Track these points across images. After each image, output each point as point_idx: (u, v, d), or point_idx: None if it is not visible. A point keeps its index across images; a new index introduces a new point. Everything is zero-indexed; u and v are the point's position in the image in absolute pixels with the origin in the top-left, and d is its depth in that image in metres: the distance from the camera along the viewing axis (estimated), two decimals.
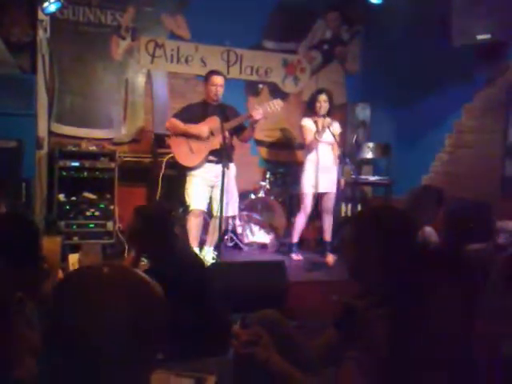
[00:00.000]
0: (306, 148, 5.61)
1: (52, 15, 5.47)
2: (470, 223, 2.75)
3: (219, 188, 4.79)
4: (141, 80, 6.37)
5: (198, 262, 3.35)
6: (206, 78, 5.11)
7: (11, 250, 1.79)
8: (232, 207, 5.25)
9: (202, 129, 4.99)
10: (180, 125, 5.03)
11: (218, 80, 5.02)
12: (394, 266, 1.77)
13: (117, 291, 1.03)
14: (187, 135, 5.02)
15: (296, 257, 5.66)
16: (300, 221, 5.68)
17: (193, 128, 5.00)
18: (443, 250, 2.26)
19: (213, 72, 5.16)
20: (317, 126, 5.45)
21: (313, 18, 7.03)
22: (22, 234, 1.85)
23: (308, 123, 5.53)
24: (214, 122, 4.95)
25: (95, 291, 1.02)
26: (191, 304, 1.01)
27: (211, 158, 5.02)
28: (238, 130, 5.14)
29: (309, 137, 5.50)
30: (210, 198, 5.13)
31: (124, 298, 1.01)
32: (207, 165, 5.04)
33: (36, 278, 1.88)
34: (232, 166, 5.10)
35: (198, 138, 5.00)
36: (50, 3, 5.18)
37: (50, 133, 5.76)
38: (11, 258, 1.78)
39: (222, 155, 4.75)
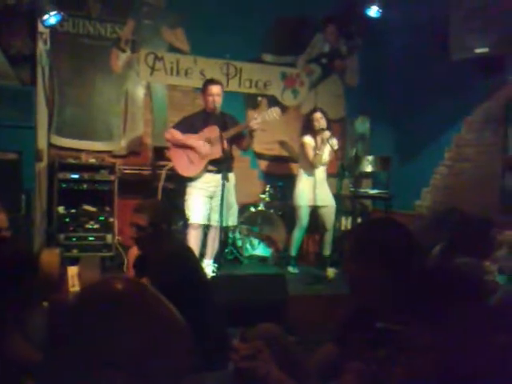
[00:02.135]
0: (311, 164, 5.60)
1: (52, 28, 5.49)
2: (470, 238, 2.74)
3: (218, 199, 4.79)
4: (140, 92, 6.38)
5: (201, 275, 3.33)
6: (204, 88, 5.10)
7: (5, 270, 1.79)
8: (231, 217, 5.24)
9: (201, 144, 4.99)
10: (179, 136, 5.03)
11: (215, 89, 5.01)
12: (394, 280, 1.76)
13: (131, 311, 0.96)
14: (185, 146, 5.03)
15: (292, 270, 5.64)
16: (297, 234, 5.68)
17: (190, 140, 5.00)
18: (439, 267, 2.25)
19: (210, 81, 5.15)
20: (316, 141, 5.50)
21: (311, 32, 7.06)
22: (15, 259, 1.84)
23: (309, 140, 5.60)
24: (213, 131, 4.95)
25: (106, 310, 0.96)
26: (188, 318, 0.99)
27: (210, 167, 5.02)
28: (236, 139, 5.14)
29: (311, 153, 5.54)
30: (209, 209, 5.12)
31: (139, 320, 0.95)
32: (207, 175, 5.03)
33: (32, 294, 1.86)
34: (231, 175, 5.08)
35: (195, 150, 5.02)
36: (50, 16, 5.20)
37: (50, 145, 5.77)
38: (6, 277, 1.77)
39: (222, 166, 4.75)
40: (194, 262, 3.27)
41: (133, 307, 0.97)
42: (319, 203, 5.54)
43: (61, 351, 0.97)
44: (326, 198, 5.55)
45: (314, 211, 5.65)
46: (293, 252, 5.72)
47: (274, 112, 5.09)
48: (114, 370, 0.91)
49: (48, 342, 1.04)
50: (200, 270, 3.30)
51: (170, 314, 1.00)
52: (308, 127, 5.68)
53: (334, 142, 5.60)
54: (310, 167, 5.55)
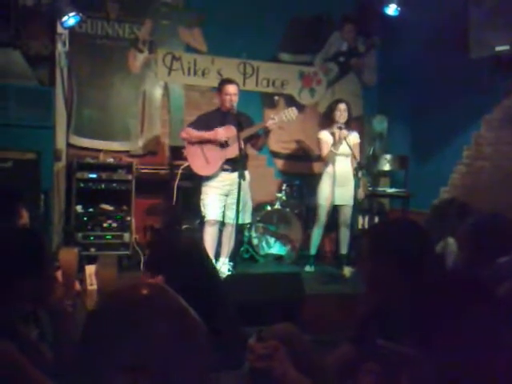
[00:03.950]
0: (323, 160, 5.60)
1: (71, 29, 5.54)
2: (492, 237, 2.70)
3: (233, 196, 4.80)
4: (158, 92, 6.42)
5: (213, 273, 3.34)
6: (220, 88, 5.11)
7: (14, 262, 1.80)
8: (246, 215, 5.24)
9: (219, 132, 4.98)
10: (195, 132, 5.04)
11: (232, 89, 5.01)
12: (408, 280, 1.74)
13: (155, 316, 0.98)
14: (203, 143, 5.03)
15: (309, 269, 5.63)
16: (316, 233, 5.66)
17: (208, 134, 5.01)
18: (463, 273, 2.22)
19: (226, 81, 5.15)
20: (334, 137, 5.44)
21: (329, 30, 7.04)
22: (25, 246, 1.86)
23: (325, 136, 5.53)
24: (229, 131, 4.95)
25: (132, 315, 0.98)
26: (203, 316, 1.00)
27: (226, 166, 5.03)
28: (252, 138, 5.14)
29: (325, 149, 5.49)
30: (224, 206, 5.12)
31: (164, 326, 0.97)
32: (222, 173, 5.05)
33: (42, 288, 1.88)
34: (246, 173, 5.08)
35: (214, 146, 5.01)
36: (69, 17, 5.25)
37: (68, 145, 5.82)
38: (14, 270, 1.79)
39: (238, 165, 4.75)
40: (207, 260, 3.28)
41: (157, 311, 0.99)
42: (338, 202, 5.50)
43: (87, 353, 0.99)
44: (345, 198, 5.48)
45: (333, 210, 5.62)
46: (312, 251, 5.70)
47: (291, 112, 5.07)
48: (138, 372, 0.93)
49: (73, 344, 1.06)
50: (213, 268, 3.31)
51: (190, 318, 1.02)
52: (329, 117, 5.62)
53: (353, 136, 5.52)
54: (331, 166, 5.47)
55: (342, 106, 5.47)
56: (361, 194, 5.56)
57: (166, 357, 0.95)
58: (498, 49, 5.11)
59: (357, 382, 1.78)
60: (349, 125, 5.49)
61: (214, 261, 5.12)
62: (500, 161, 5.52)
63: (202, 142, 5.06)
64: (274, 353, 1.65)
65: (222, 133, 4.98)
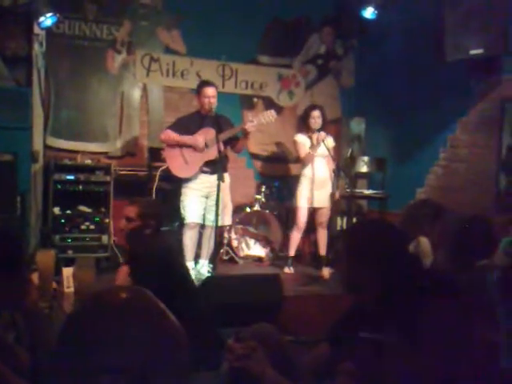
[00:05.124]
0: (301, 163, 5.64)
1: (48, 29, 5.49)
2: (472, 239, 2.74)
3: (213, 198, 4.80)
4: (136, 94, 6.39)
5: (189, 276, 3.36)
6: (198, 90, 5.11)
7: None
8: (226, 217, 5.25)
9: (198, 139, 4.99)
10: (175, 136, 5.03)
11: (210, 91, 5.01)
12: (386, 279, 1.77)
13: (134, 319, 0.99)
14: (182, 146, 5.03)
15: (288, 270, 5.65)
16: (295, 235, 5.69)
17: (188, 138, 5.01)
18: (444, 274, 2.25)
19: (204, 83, 5.15)
20: (311, 140, 5.48)
21: (307, 33, 7.08)
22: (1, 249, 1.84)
23: (301, 138, 5.58)
24: (208, 133, 4.95)
25: (112, 319, 0.98)
26: (180, 317, 1.01)
27: (205, 169, 5.03)
28: (231, 141, 5.15)
29: (302, 152, 5.53)
30: (204, 209, 5.12)
31: (144, 329, 0.98)
32: (201, 176, 5.04)
33: (17, 291, 1.86)
34: (226, 175, 5.09)
35: (193, 148, 5.01)
36: (46, 17, 5.20)
37: (46, 146, 5.76)
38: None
39: (218, 167, 4.75)
40: (179, 265, 3.29)
41: (136, 315, 1.00)
42: (316, 205, 5.53)
43: (64, 357, 0.99)
44: (323, 200, 5.53)
45: (311, 212, 5.65)
46: (291, 252, 5.73)
47: (270, 115, 5.10)
48: (116, 374, 0.94)
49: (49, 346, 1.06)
50: (185, 273, 3.32)
51: (169, 320, 1.03)
52: (304, 123, 5.66)
53: (330, 140, 5.59)
54: (309, 168, 5.51)
55: (316, 113, 5.51)
56: (336, 195, 5.62)
57: (145, 359, 0.96)
58: (473, 52, 5.20)
59: (333, 381, 1.80)
60: (324, 129, 5.53)
61: (193, 263, 5.13)
62: (475, 163, 5.62)
63: (181, 144, 5.05)
64: (252, 353, 1.67)
65: (201, 140, 4.98)
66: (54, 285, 3.95)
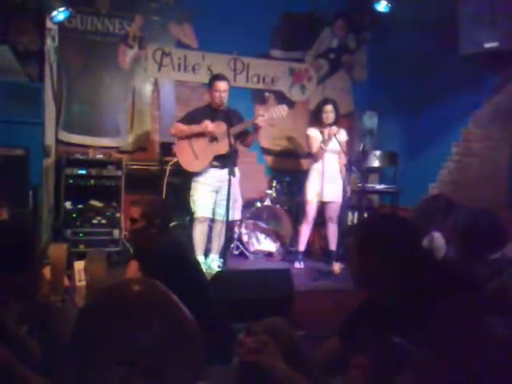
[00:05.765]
0: (312, 157, 5.62)
1: (60, 24, 5.51)
2: (478, 231, 2.72)
3: (223, 193, 4.79)
4: (148, 88, 6.39)
5: (200, 270, 3.35)
6: (210, 84, 5.09)
7: (1, 257, 1.79)
8: (236, 211, 5.24)
9: (208, 124, 4.93)
10: (184, 128, 5.02)
11: (222, 86, 4.99)
12: (397, 274, 1.76)
13: (148, 311, 0.99)
14: (192, 137, 5.01)
15: (298, 265, 5.64)
16: (304, 228, 5.67)
17: (196, 126, 4.98)
18: (458, 267, 2.23)
19: (216, 77, 5.13)
20: (323, 135, 5.45)
21: (320, 27, 7.04)
22: (11, 242, 1.84)
23: (313, 133, 5.54)
24: (219, 127, 4.94)
25: (125, 312, 0.98)
26: (192, 311, 1.01)
27: (215, 163, 5.01)
28: (241, 135, 5.13)
29: (314, 146, 5.50)
30: (214, 203, 5.12)
31: (157, 321, 0.98)
32: (211, 170, 5.04)
33: (29, 284, 1.87)
34: (236, 170, 5.08)
35: (203, 140, 4.99)
36: (59, 12, 5.22)
37: (58, 141, 5.79)
38: (1, 265, 1.78)
39: (228, 161, 4.74)
40: (189, 259, 3.28)
41: (149, 307, 1.00)
42: (326, 198, 5.51)
43: (78, 350, 0.99)
44: (333, 194, 5.51)
45: (321, 206, 5.63)
46: (301, 247, 5.72)
47: (281, 109, 5.07)
48: (130, 367, 0.94)
49: (65, 340, 1.06)
50: (196, 267, 3.31)
51: (182, 313, 1.03)
52: (316, 118, 5.63)
53: (342, 134, 5.54)
54: (320, 163, 5.49)
55: (329, 108, 5.47)
56: (348, 190, 5.59)
57: (159, 352, 0.95)
58: (487, 45, 5.14)
59: (345, 376, 1.79)
60: (336, 123, 5.50)
61: (203, 257, 5.13)
62: (488, 157, 5.56)
63: (191, 137, 5.04)
64: (263, 347, 1.66)
65: (211, 125, 4.95)
66: (66, 279, 3.97)
